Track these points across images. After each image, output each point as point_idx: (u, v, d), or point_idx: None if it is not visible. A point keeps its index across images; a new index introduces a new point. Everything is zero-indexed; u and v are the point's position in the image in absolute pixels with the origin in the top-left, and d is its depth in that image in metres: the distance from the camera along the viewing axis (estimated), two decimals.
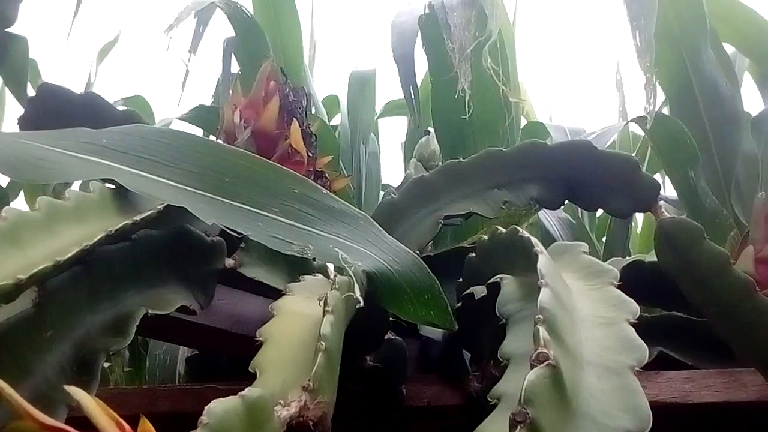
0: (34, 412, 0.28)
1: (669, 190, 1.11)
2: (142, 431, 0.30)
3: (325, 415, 0.38)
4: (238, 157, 0.55)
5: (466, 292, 0.62)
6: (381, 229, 0.55)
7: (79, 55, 1.48)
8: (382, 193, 1.34)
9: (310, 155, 0.79)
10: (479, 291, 0.60)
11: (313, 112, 1.27)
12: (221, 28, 1.15)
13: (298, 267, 0.63)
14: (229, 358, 0.78)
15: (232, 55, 1.14)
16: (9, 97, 1.36)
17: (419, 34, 1.01)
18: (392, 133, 1.80)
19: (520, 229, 0.51)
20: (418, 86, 1.19)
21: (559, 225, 1.15)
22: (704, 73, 1.03)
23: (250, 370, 0.42)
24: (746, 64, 1.20)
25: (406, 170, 1.16)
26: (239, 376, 0.44)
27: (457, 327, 0.57)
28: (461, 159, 0.78)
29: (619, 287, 0.47)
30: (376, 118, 1.44)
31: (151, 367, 1.01)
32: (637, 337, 0.41)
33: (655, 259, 0.69)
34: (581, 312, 0.44)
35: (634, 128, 1.31)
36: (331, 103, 1.49)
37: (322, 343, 0.39)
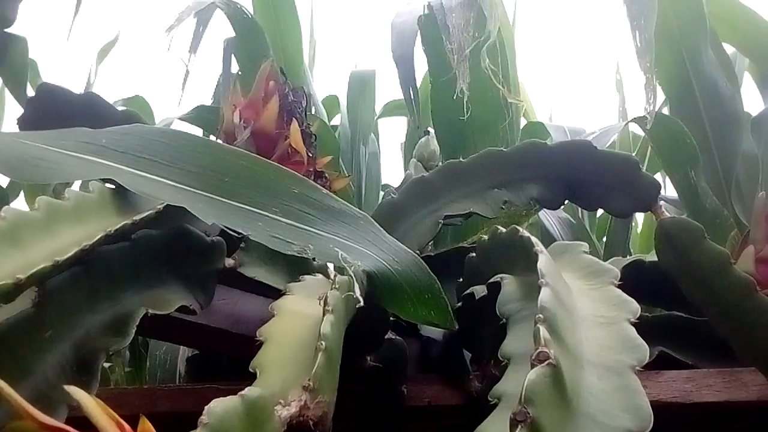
0: (34, 411, 0.28)
1: (669, 190, 1.11)
2: (141, 431, 0.30)
3: (325, 414, 0.38)
4: (237, 157, 0.54)
5: (466, 292, 0.62)
6: (381, 228, 0.55)
7: (79, 55, 1.48)
8: (382, 193, 1.34)
9: (310, 155, 0.79)
10: (479, 291, 0.60)
11: (312, 112, 1.27)
12: (221, 28, 1.15)
13: (298, 267, 0.63)
14: (229, 358, 0.77)
15: (232, 55, 1.14)
16: (9, 98, 1.35)
17: (419, 35, 1.01)
18: (392, 133, 1.80)
19: (520, 229, 0.51)
20: (418, 86, 1.19)
21: (559, 225, 1.15)
22: (704, 73, 1.03)
23: (250, 369, 0.42)
24: (746, 64, 1.20)
25: (406, 170, 1.16)
26: (240, 376, 0.44)
27: (457, 327, 0.57)
28: (461, 159, 0.78)
29: (619, 287, 0.47)
30: (375, 118, 1.44)
31: (151, 367, 1.01)
32: (638, 336, 0.41)
33: (656, 258, 0.69)
34: (582, 311, 0.44)
35: (635, 128, 1.31)
36: (331, 103, 1.49)
37: (322, 342, 0.39)
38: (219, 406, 0.31)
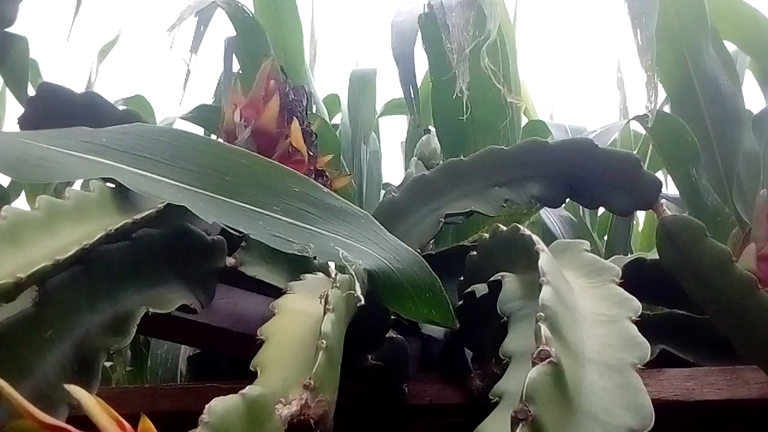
0: (35, 411, 0.28)
1: (670, 188, 1.10)
2: (142, 430, 0.30)
3: (326, 413, 0.38)
4: (238, 156, 0.54)
5: (467, 291, 0.62)
6: (382, 227, 0.55)
7: (80, 55, 1.48)
8: (383, 192, 1.34)
9: (311, 154, 0.79)
10: (480, 289, 0.60)
11: (313, 111, 1.27)
12: (222, 27, 1.15)
13: (299, 266, 0.63)
14: (230, 357, 0.77)
15: (233, 54, 1.14)
16: (9, 97, 1.36)
17: (419, 33, 1.01)
18: (393, 132, 1.80)
19: (521, 227, 0.51)
20: (419, 85, 1.19)
21: (560, 223, 1.15)
22: (705, 71, 1.03)
23: (251, 368, 0.42)
24: (747, 62, 1.20)
25: (406, 169, 1.16)
26: (241, 375, 0.44)
27: (458, 325, 0.57)
28: (462, 157, 0.78)
29: (620, 285, 0.47)
30: (376, 117, 1.44)
31: (152, 366, 1.01)
32: (639, 334, 0.41)
33: (657, 257, 0.69)
34: (583, 310, 0.44)
35: (636, 126, 1.31)
36: (332, 102, 1.49)
37: (323, 341, 0.39)
38: (220, 405, 0.31)
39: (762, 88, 1.18)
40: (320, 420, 0.37)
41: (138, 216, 0.52)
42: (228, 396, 0.32)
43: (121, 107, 0.83)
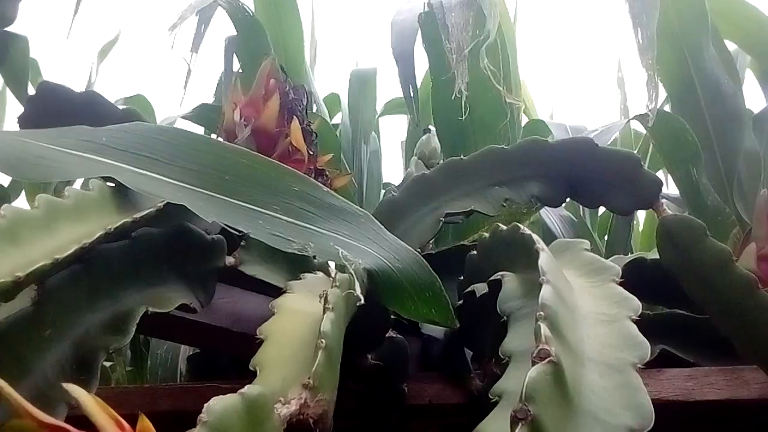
0: (34, 410, 0.28)
1: (671, 188, 1.10)
2: (141, 429, 0.30)
3: (325, 412, 0.38)
4: (238, 155, 0.54)
5: (467, 290, 0.62)
6: (381, 226, 0.55)
7: (80, 54, 1.48)
8: (383, 191, 1.34)
9: (311, 153, 0.79)
10: (480, 288, 0.60)
11: (314, 110, 1.27)
12: (223, 26, 1.15)
13: (298, 265, 0.63)
14: (230, 357, 0.77)
15: (234, 53, 1.14)
16: (10, 97, 1.36)
17: (419, 33, 1.01)
18: (393, 131, 1.80)
19: (521, 227, 0.51)
20: (419, 84, 1.18)
21: (560, 223, 1.15)
22: (706, 71, 1.03)
23: (251, 368, 0.42)
24: (748, 62, 1.20)
25: (406, 168, 1.16)
26: (240, 375, 0.44)
27: (458, 325, 0.57)
28: (462, 156, 0.78)
29: (620, 284, 0.47)
30: (377, 116, 1.44)
31: (152, 366, 1.01)
32: (639, 334, 0.41)
33: (657, 256, 0.69)
34: (583, 309, 0.44)
35: (636, 126, 1.31)
36: (333, 101, 1.49)
37: (323, 340, 0.39)
38: (218, 404, 0.31)
39: (762, 87, 1.18)
40: (319, 419, 0.37)
41: (137, 215, 0.52)
42: (227, 395, 0.32)
43: (120, 106, 0.83)
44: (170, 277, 0.55)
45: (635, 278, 0.52)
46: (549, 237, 1.08)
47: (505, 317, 0.47)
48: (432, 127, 1.13)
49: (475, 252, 0.63)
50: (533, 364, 0.33)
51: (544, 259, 0.43)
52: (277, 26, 1.26)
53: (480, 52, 0.88)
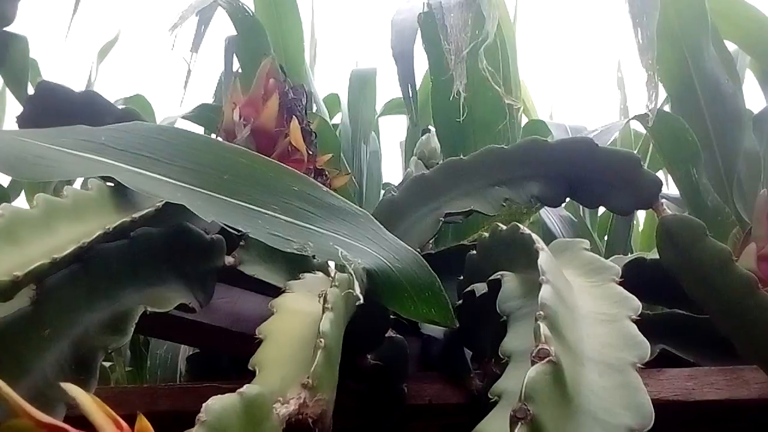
0: (32, 410, 0.28)
1: (671, 188, 1.10)
2: (139, 429, 0.30)
3: (324, 412, 0.38)
4: (237, 155, 0.54)
5: (467, 290, 0.62)
6: (381, 226, 0.55)
7: (80, 55, 1.48)
8: (383, 191, 1.34)
9: (310, 153, 0.79)
10: (480, 288, 0.60)
11: (314, 110, 1.27)
12: (223, 26, 1.15)
13: (298, 265, 0.63)
14: (229, 357, 0.77)
15: (234, 53, 1.14)
16: (9, 97, 1.35)
17: (419, 32, 1.01)
18: (393, 131, 1.80)
19: (521, 226, 0.51)
20: (419, 84, 1.18)
21: (560, 223, 1.15)
22: (706, 71, 1.03)
23: (249, 367, 0.41)
24: (748, 62, 1.20)
25: (406, 168, 1.16)
26: (240, 375, 0.44)
27: (458, 325, 0.57)
28: (462, 156, 0.78)
29: (620, 284, 0.47)
30: (376, 116, 1.44)
31: (152, 366, 1.01)
32: (639, 333, 0.41)
33: (657, 256, 0.69)
34: (582, 309, 0.44)
35: (636, 126, 1.31)
36: (332, 101, 1.49)
37: (322, 340, 0.39)
38: (217, 404, 0.31)
39: (762, 87, 1.18)
40: (318, 419, 0.37)
41: (136, 214, 0.52)
42: (225, 395, 0.32)
43: (120, 106, 0.83)
44: (169, 276, 0.55)
45: (635, 278, 0.52)
46: (549, 237, 1.08)
47: (504, 317, 0.47)
48: (431, 127, 1.13)
49: (474, 252, 0.63)
50: (533, 363, 0.33)
51: (544, 258, 0.43)
52: (277, 26, 1.27)
53: (479, 53, 0.88)
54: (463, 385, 0.67)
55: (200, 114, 1.17)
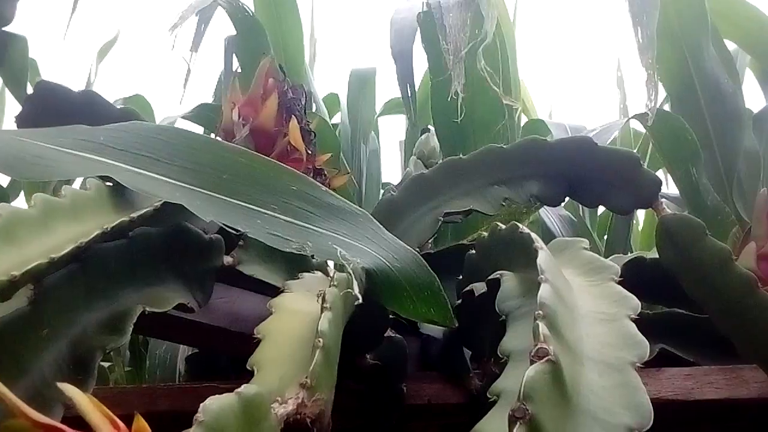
0: (28, 410, 0.28)
1: (671, 187, 1.10)
2: (136, 429, 0.30)
3: (323, 412, 0.37)
4: (236, 154, 0.54)
5: (466, 289, 0.62)
6: (380, 226, 0.54)
7: (80, 55, 1.48)
8: (382, 191, 1.34)
9: (309, 152, 0.78)
10: (479, 288, 0.60)
11: (313, 110, 1.27)
12: (223, 26, 1.15)
13: (297, 264, 0.63)
14: (228, 357, 0.77)
15: (234, 53, 1.14)
16: (9, 97, 1.35)
17: (419, 32, 1.01)
18: (392, 131, 1.80)
19: (520, 225, 0.51)
20: (420, 84, 1.18)
21: (560, 222, 1.15)
22: (705, 70, 1.03)
23: (248, 367, 0.41)
24: (747, 61, 1.20)
25: (405, 168, 1.16)
26: (239, 375, 0.44)
27: (457, 324, 0.57)
28: (461, 156, 0.78)
29: (620, 284, 0.47)
30: (376, 116, 1.44)
31: (151, 366, 1.01)
32: (639, 333, 0.40)
33: (657, 256, 0.69)
34: (582, 308, 0.43)
35: (636, 125, 1.31)
36: (332, 101, 1.49)
37: (320, 339, 0.39)
38: (215, 404, 0.31)
39: (762, 86, 1.18)
40: (317, 419, 0.37)
41: (135, 214, 0.52)
42: (223, 395, 0.32)
43: (119, 106, 0.83)
44: (168, 276, 0.55)
45: (635, 277, 0.52)
46: (548, 237, 1.08)
47: (503, 316, 0.47)
48: (431, 127, 1.13)
49: (473, 251, 0.63)
50: (531, 363, 0.33)
51: (543, 257, 0.43)
52: (277, 26, 1.26)
53: (478, 52, 0.88)
54: (462, 385, 0.67)
55: (200, 114, 1.17)
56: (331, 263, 0.62)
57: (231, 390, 0.33)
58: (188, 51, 1.08)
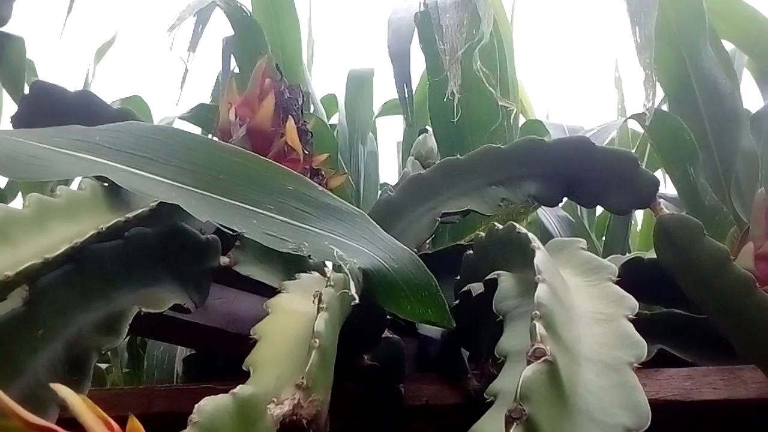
0: (22, 411, 0.27)
1: (669, 188, 1.10)
2: (130, 430, 0.30)
3: (319, 413, 0.37)
4: (232, 154, 0.54)
5: (463, 290, 0.62)
6: (377, 226, 0.54)
7: (77, 55, 1.48)
8: (380, 192, 1.33)
9: (306, 153, 0.78)
10: (477, 288, 0.60)
11: (311, 110, 1.26)
12: (221, 27, 1.15)
13: (294, 265, 0.63)
14: (226, 358, 0.77)
15: (231, 54, 1.14)
16: (7, 99, 1.35)
17: (416, 32, 1.01)
18: (391, 132, 1.80)
19: (517, 225, 0.51)
20: (418, 84, 1.18)
21: (558, 223, 1.15)
22: (703, 70, 1.02)
23: (244, 368, 0.41)
24: (745, 61, 1.20)
25: (403, 169, 1.15)
26: (236, 376, 0.43)
27: (454, 325, 0.56)
28: (459, 156, 0.78)
29: (618, 284, 0.46)
30: (374, 117, 1.44)
31: (149, 367, 1.00)
32: (636, 333, 0.40)
33: (655, 256, 0.68)
34: (579, 308, 0.43)
35: (634, 125, 1.31)
36: (330, 102, 1.49)
37: (316, 340, 0.39)
38: (209, 405, 0.30)
39: (760, 87, 1.18)
40: (313, 420, 0.37)
41: (130, 214, 0.52)
42: (218, 395, 0.31)
43: (116, 106, 0.83)
44: (164, 277, 0.55)
45: (633, 278, 0.52)
46: (546, 237, 1.08)
47: (501, 317, 0.47)
48: (429, 128, 1.13)
49: (471, 251, 0.63)
50: (528, 363, 0.33)
51: (540, 257, 0.43)
52: (275, 26, 1.26)
53: (474, 53, 0.88)
54: (460, 386, 0.67)
55: (197, 114, 1.16)
56: (329, 264, 0.62)
57: (228, 391, 0.32)
58: (186, 51, 1.08)
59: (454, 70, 0.84)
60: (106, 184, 0.53)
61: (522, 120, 1.33)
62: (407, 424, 0.67)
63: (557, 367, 0.34)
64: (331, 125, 1.38)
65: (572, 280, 0.47)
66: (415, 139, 1.15)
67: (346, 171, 1.19)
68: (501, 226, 0.54)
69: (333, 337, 0.42)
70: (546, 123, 1.30)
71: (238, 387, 0.33)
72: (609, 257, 0.74)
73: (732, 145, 1.00)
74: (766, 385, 0.60)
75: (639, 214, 1.38)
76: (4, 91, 1.26)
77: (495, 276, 0.52)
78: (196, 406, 0.30)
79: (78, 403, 0.27)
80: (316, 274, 0.58)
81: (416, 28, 1.00)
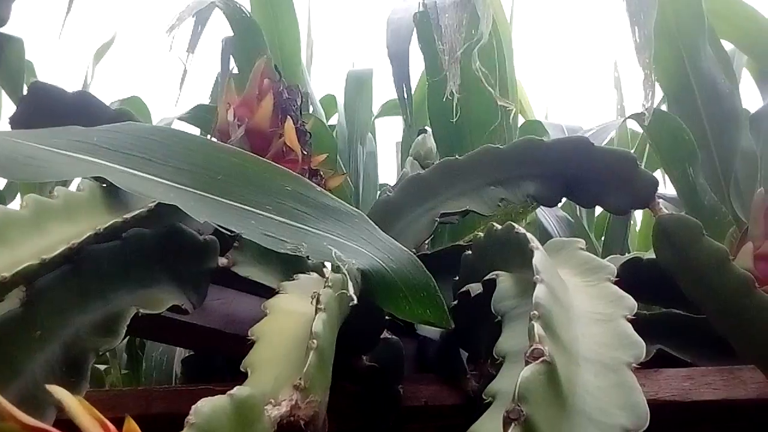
0: (17, 412, 0.27)
1: (668, 188, 1.10)
2: (127, 431, 0.29)
3: (316, 414, 0.37)
4: (230, 155, 0.54)
5: (462, 290, 0.62)
6: (376, 226, 0.54)
7: (77, 57, 1.48)
8: (379, 192, 1.33)
9: (305, 153, 0.78)
10: (475, 288, 0.60)
11: (310, 111, 1.26)
12: (220, 27, 1.15)
13: (292, 266, 0.63)
14: (224, 359, 0.77)
15: (230, 54, 1.14)
16: (5, 99, 1.35)
17: (415, 32, 1.00)
18: (390, 132, 1.80)
19: (516, 226, 0.51)
20: (417, 84, 1.18)
21: (557, 223, 1.15)
22: (702, 71, 1.02)
23: (242, 369, 0.41)
24: (744, 61, 1.20)
25: (402, 169, 1.15)
26: (234, 377, 0.43)
27: (453, 325, 0.56)
28: (458, 156, 0.77)
29: (616, 284, 0.46)
30: (373, 118, 1.44)
31: (147, 368, 1.00)
32: (635, 333, 0.40)
33: (654, 256, 0.68)
34: (578, 308, 0.43)
35: (633, 125, 1.31)
36: (329, 102, 1.49)
37: (314, 341, 0.39)
38: (206, 406, 0.30)
39: (759, 87, 1.18)
40: (310, 421, 0.36)
41: (128, 215, 0.51)
42: (215, 396, 0.31)
43: (115, 107, 0.82)
44: (162, 278, 0.55)
45: (632, 278, 0.51)
46: (545, 237, 1.07)
47: (499, 317, 0.47)
48: (428, 128, 1.13)
49: (470, 252, 0.63)
50: (527, 363, 0.33)
51: (539, 258, 0.43)
52: (274, 26, 1.26)
53: (473, 53, 0.88)
54: (459, 387, 0.67)
55: (196, 115, 1.16)
56: (328, 264, 0.62)
57: (226, 392, 0.32)
58: (185, 52, 1.08)
59: (453, 70, 0.84)
60: (104, 185, 0.53)
61: (521, 120, 1.33)
62: (406, 425, 0.67)
63: (555, 367, 0.33)
64: (330, 126, 1.38)
65: (571, 281, 0.47)
66: (414, 139, 1.14)
67: (345, 171, 1.19)
68: (500, 227, 0.54)
69: (331, 337, 0.42)
70: (545, 123, 1.30)
71: (235, 388, 0.33)
72: (608, 257, 0.74)
73: (731, 145, 1.00)
74: (765, 386, 0.60)
75: (638, 214, 1.38)
76: (2, 91, 1.26)
77: (494, 276, 0.52)
78: (193, 407, 0.30)
79: (74, 404, 0.27)
80: (314, 274, 0.58)
81: (415, 29, 1.00)
